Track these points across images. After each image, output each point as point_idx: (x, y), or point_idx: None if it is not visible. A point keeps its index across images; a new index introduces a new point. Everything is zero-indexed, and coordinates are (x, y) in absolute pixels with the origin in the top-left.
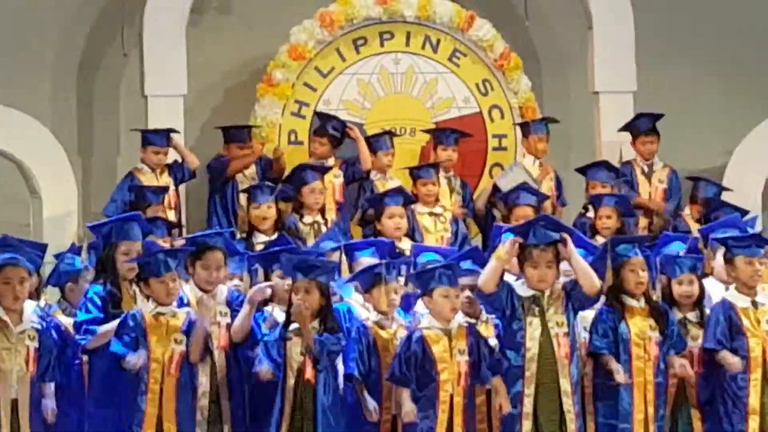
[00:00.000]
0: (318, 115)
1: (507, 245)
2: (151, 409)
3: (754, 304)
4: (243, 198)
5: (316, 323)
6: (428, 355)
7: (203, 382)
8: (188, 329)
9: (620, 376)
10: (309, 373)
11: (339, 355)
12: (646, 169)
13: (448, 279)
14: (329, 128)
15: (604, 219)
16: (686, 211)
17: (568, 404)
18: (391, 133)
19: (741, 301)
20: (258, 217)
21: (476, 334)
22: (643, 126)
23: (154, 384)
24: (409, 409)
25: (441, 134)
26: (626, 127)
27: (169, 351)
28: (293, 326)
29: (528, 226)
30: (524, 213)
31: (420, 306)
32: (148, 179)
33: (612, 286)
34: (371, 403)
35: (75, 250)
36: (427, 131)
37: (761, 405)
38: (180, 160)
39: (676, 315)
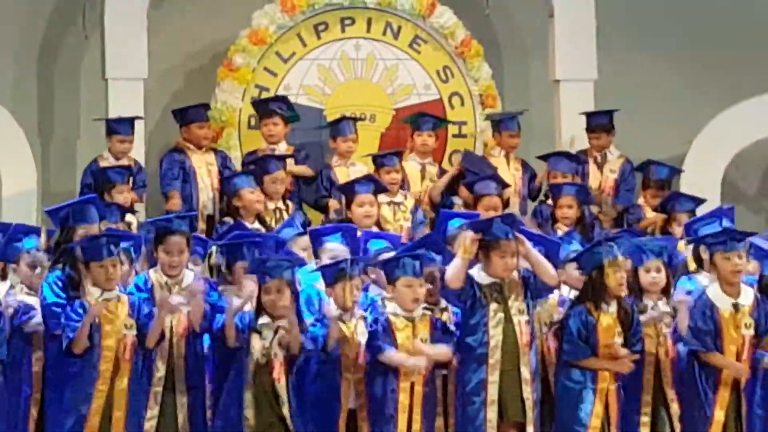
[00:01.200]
0: (255, 104)
1: (467, 244)
2: (99, 397)
3: (735, 306)
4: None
5: (286, 322)
6: (392, 341)
7: (160, 367)
8: (142, 314)
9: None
10: (278, 371)
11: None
12: (599, 158)
13: (412, 269)
14: (275, 108)
15: (565, 209)
16: (640, 200)
17: (528, 392)
18: (351, 119)
19: (722, 302)
20: (253, 201)
21: (438, 322)
22: (592, 122)
23: (106, 372)
24: (402, 356)
25: (418, 119)
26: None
27: (121, 337)
28: (263, 320)
29: (487, 223)
30: (491, 202)
31: (373, 291)
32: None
33: (593, 287)
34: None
35: (28, 229)
36: (404, 119)
37: (726, 408)
38: (141, 165)
39: (648, 301)
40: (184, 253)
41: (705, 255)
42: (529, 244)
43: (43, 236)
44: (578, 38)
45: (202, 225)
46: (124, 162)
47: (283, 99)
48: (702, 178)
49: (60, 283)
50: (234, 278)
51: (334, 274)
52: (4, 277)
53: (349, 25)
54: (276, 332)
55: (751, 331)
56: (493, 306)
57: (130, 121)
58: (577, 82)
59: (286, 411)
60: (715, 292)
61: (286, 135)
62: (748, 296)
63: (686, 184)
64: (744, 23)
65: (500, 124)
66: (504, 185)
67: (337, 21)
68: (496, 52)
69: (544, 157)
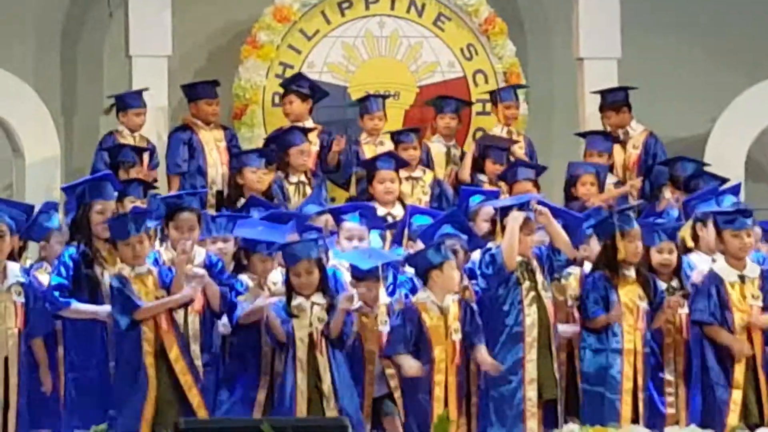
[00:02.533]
0: (283, 84)
1: (520, 222)
2: (151, 371)
3: (742, 278)
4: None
5: (320, 296)
6: (423, 333)
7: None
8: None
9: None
10: (323, 348)
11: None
12: (621, 136)
13: (453, 251)
14: (293, 86)
15: (588, 186)
16: (666, 194)
17: (556, 368)
18: (379, 96)
19: (729, 275)
20: (254, 181)
21: (468, 307)
22: (608, 100)
23: (148, 347)
24: (412, 365)
25: (440, 102)
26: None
27: None
28: (296, 302)
29: (515, 203)
30: (524, 188)
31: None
32: (127, 142)
33: (607, 255)
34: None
35: (53, 206)
36: (427, 102)
37: (744, 378)
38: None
39: (660, 285)
40: (195, 230)
41: (701, 232)
42: (550, 216)
43: (61, 213)
44: (602, 16)
45: (212, 200)
46: (137, 135)
47: (302, 76)
48: (726, 156)
49: (71, 263)
50: (253, 268)
51: (363, 273)
52: (19, 256)
53: (373, 2)
54: (311, 309)
55: (760, 303)
56: (526, 284)
57: (138, 93)
58: (601, 60)
59: (327, 387)
60: (721, 266)
61: (310, 113)
62: (754, 270)
63: (710, 162)
64: None
65: (496, 95)
66: (540, 169)
67: None
68: (520, 29)
69: (582, 135)
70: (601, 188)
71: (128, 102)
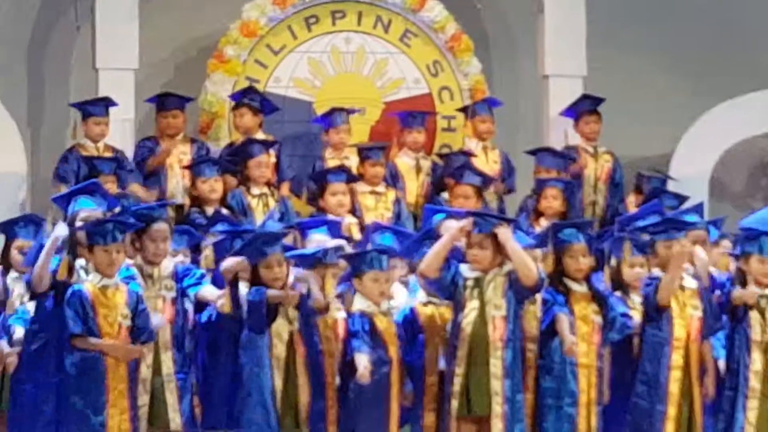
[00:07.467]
0: (234, 97)
1: (454, 232)
2: (114, 383)
3: (681, 287)
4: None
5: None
6: (378, 335)
7: (147, 355)
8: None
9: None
10: (302, 349)
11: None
12: (591, 150)
13: (379, 263)
14: (245, 100)
15: (549, 199)
16: (630, 198)
17: (497, 386)
18: (344, 110)
19: None
20: (206, 191)
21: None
22: (588, 105)
23: (112, 361)
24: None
25: (407, 118)
26: (570, 109)
27: (116, 327)
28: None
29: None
30: (463, 191)
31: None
32: (90, 153)
33: (554, 271)
34: None
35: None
36: (391, 114)
37: (680, 390)
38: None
39: (635, 299)
40: (168, 240)
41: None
42: (508, 236)
43: (49, 225)
44: (568, 34)
45: (171, 213)
46: (101, 145)
47: (253, 90)
48: (689, 176)
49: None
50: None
51: (311, 262)
52: (6, 269)
53: (339, 18)
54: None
55: (699, 313)
56: (470, 300)
57: (104, 103)
58: (566, 78)
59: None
60: (659, 274)
61: (261, 125)
62: (691, 282)
63: (673, 182)
64: (733, 22)
65: (471, 109)
66: (488, 180)
67: (327, 14)
68: (485, 47)
69: (532, 152)
70: (567, 205)
71: (88, 110)
